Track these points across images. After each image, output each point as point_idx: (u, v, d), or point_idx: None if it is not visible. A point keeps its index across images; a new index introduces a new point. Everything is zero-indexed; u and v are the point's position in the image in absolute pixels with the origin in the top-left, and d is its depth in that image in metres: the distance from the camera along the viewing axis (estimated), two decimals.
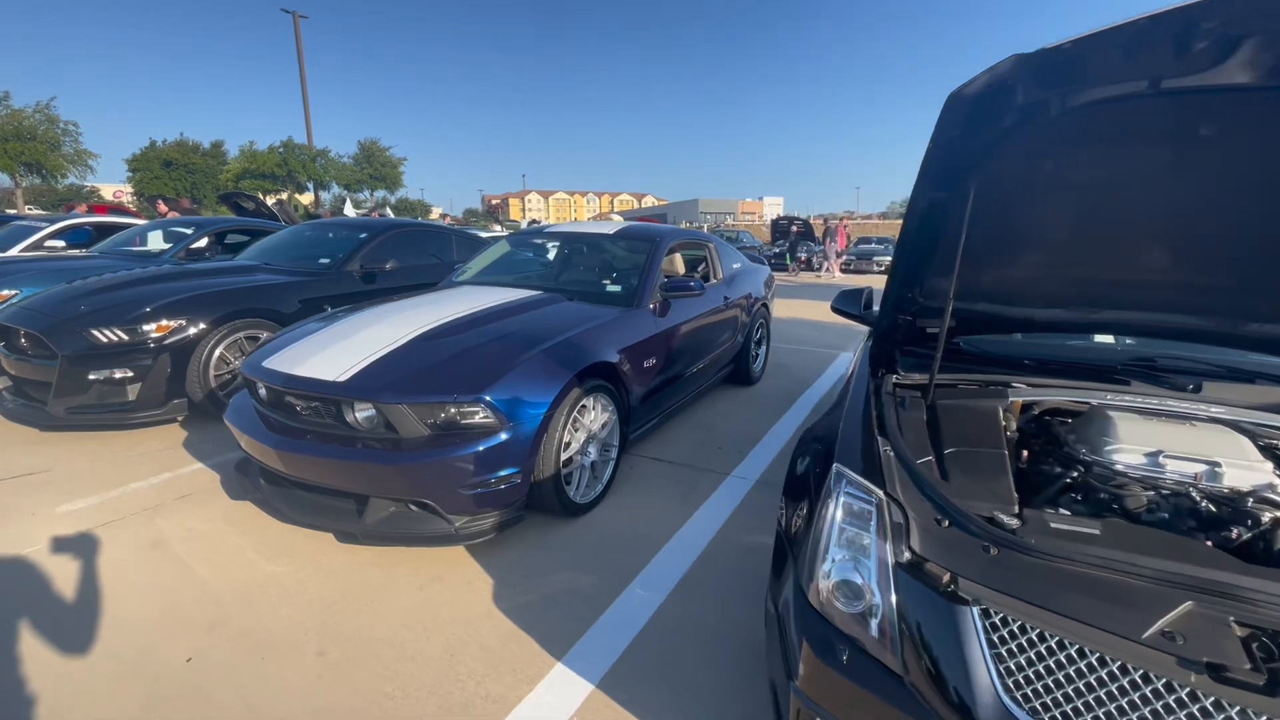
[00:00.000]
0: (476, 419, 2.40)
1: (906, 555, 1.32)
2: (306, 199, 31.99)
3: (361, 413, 2.43)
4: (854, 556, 1.38)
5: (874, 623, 1.30)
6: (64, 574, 2.35)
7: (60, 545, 2.54)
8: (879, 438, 1.61)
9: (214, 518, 2.80)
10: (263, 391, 2.70)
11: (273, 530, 2.68)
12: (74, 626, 2.06)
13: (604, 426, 2.98)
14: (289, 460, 2.45)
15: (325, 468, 2.40)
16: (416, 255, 5.46)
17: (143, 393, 3.72)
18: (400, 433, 2.37)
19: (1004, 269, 1.74)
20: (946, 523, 1.34)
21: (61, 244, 7.15)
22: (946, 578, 1.24)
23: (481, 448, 2.36)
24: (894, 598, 1.27)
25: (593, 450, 2.91)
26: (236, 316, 4.03)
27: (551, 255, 4.41)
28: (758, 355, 5.33)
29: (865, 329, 2.78)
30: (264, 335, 4.17)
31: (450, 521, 2.40)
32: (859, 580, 1.35)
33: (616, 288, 3.67)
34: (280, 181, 31.71)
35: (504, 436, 2.41)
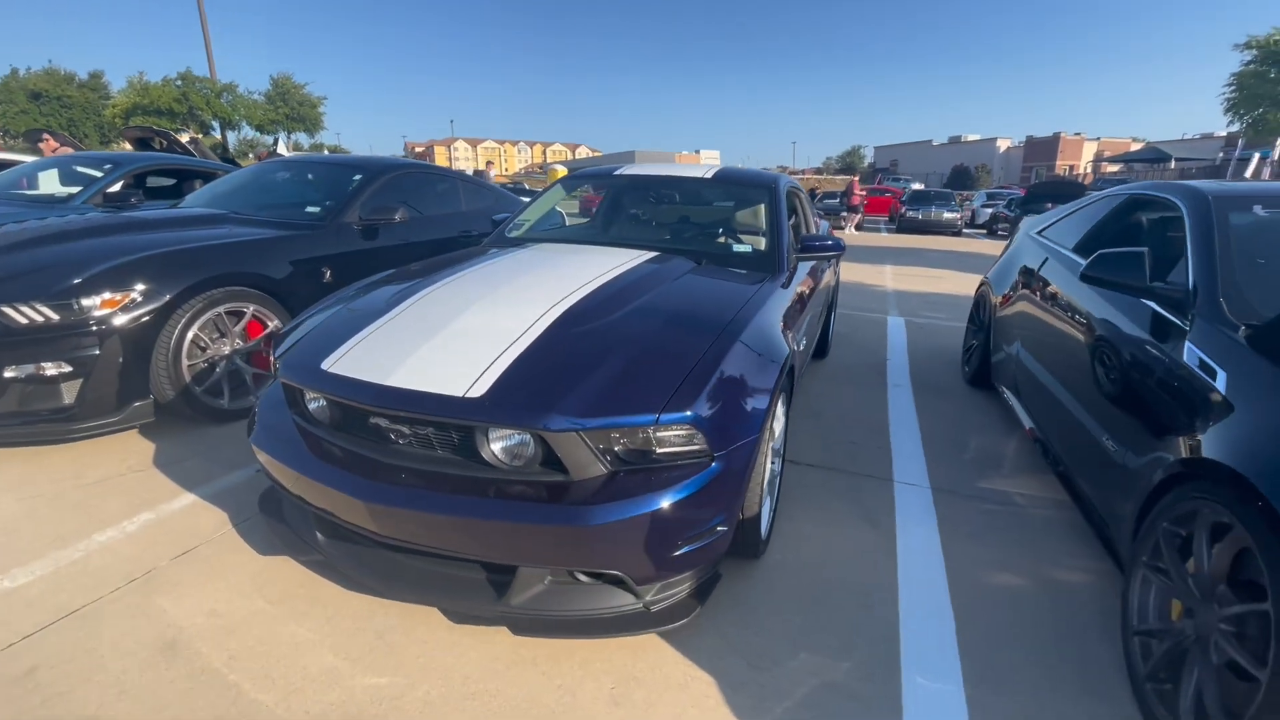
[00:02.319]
0: (674, 446, 1.61)
1: None
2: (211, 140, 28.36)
3: (501, 442, 1.60)
4: None
5: None
6: None
7: (9, 667, 1.60)
8: None
9: (244, 589, 1.90)
10: (320, 406, 1.80)
11: (345, 607, 1.83)
12: None
13: (780, 432, 2.25)
14: (386, 518, 1.58)
15: (450, 529, 1.56)
16: (422, 204, 4.40)
17: (86, 393, 2.66)
18: (570, 472, 1.56)
19: None
20: None
21: None
22: None
23: (692, 489, 1.59)
24: None
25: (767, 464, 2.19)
26: (213, 284, 2.96)
27: (635, 204, 3.53)
28: (830, 322, 4.69)
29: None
30: (250, 309, 3.13)
31: (639, 595, 1.64)
32: None
33: (745, 248, 2.88)
34: (180, 119, 27.81)
35: (717, 468, 1.64)
